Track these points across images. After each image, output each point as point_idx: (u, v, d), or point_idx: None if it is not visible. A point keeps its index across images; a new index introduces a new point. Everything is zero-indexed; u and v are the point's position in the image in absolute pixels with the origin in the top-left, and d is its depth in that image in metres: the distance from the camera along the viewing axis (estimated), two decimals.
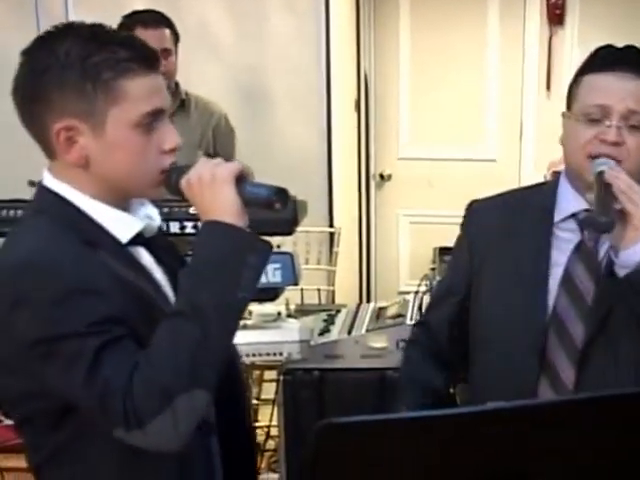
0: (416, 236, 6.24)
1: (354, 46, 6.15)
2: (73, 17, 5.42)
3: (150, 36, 4.33)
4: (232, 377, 1.99)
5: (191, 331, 1.65)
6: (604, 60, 2.19)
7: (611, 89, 2.15)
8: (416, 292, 3.78)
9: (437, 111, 6.24)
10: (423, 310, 3.66)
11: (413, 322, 3.60)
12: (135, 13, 4.46)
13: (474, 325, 2.34)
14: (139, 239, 1.84)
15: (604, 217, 2.01)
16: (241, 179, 1.75)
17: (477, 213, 2.41)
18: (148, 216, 1.90)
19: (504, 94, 6.18)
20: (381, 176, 6.42)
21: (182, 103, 4.61)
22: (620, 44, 2.22)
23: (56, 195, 1.80)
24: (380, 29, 6.30)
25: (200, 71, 5.37)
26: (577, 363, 2.17)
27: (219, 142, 4.68)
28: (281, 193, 1.78)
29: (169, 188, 1.82)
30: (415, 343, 2.56)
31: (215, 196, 1.72)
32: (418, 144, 6.35)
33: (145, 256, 1.87)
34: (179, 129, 4.69)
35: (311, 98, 5.70)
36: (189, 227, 3.45)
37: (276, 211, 1.77)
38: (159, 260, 1.90)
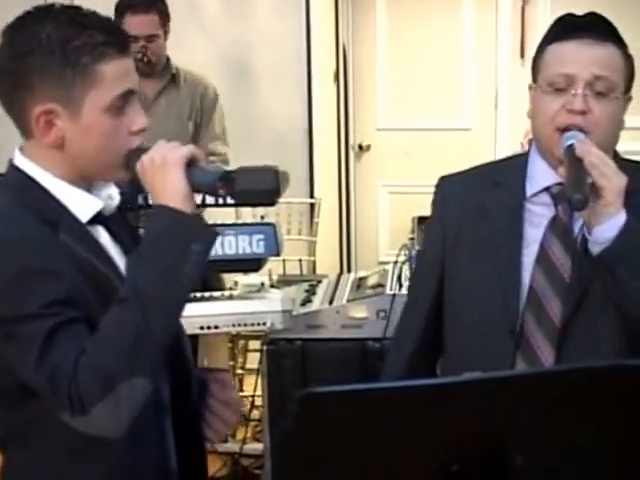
0: (395, 206, 6.24)
1: (333, 18, 6.13)
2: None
3: (138, 21, 4.35)
4: (180, 356, 1.99)
5: (133, 318, 1.63)
6: (565, 28, 2.12)
7: (575, 57, 2.07)
8: (395, 262, 3.78)
9: (414, 82, 6.23)
10: (402, 280, 3.69)
11: (393, 293, 3.63)
12: None
13: (449, 304, 2.27)
14: (98, 218, 1.83)
15: (578, 194, 1.91)
16: (192, 164, 1.73)
17: (448, 189, 2.32)
18: (110, 196, 1.90)
19: (479, 64, 6.17)
20: (360, 147, 6.41)
21: (173, 77, 4.62)
22: (593, 10, 2.14)
23: (23, 173, 1.81)
24: (358, 1, 6.29)
25: (187, 45, 5.38)
26: (556, 342, 2.09)
27: (204, 110, 4.70)
28: (225, 178, 1.74)
29: (128, 171, 1.81)
30: (400, 344, 2.46)
31: (164, 180, 1.70)
32: (396, 115, 6.34)
33: (103, 235, 1.86)
34: (170, 102, 4.76)
35: (292, 70, 5.70)
36: None
37: (221, 196, 1.74)
38: (117, 239, 1.89)
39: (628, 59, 2.13)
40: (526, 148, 3.56)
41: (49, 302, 1.64)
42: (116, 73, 1.75)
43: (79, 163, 1.80)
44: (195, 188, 1.73)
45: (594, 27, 2.10)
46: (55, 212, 1.77)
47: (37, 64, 1.73)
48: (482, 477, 1.42)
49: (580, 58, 2.07)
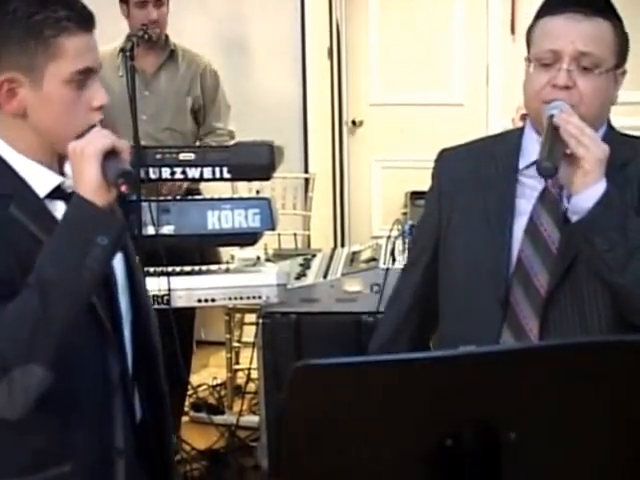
0: (388, 181, 6.22)
1: None
2: None
3: None
4: (145, 334, 2.02)
5: (32, 306, 1.64)
6: (557, 2, 2.09)
7: (561, 32, 2.05)
8: (388, 237, 3.79)
9: (406, 58, 6.19)
10: (395, 254, 3.69)
11: (386, 267, 3.63)
12: None
13: (442, 276, 2.26)
14: (60, 193, 1.82)
15: (547, 162, 1.92)
16: (110, 156, 1.71)
17: (447, 162, 2.31)
18: None
19: (470, 39, 6.13)
20: (353, 122, 6.38)
21: (171, 54, 4.61)
22: None
23: None
24: None
25: (182, 22, 5.34)
26: (540, 314, 2.09)
27: (206, 90, 4.69)
28: (126, 175, 1.69)
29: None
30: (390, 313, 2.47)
31: (79, 170, 1.71)
32: (388, 90, 6.31)
33: (61, 210, 1.84)
34: (169, 78, 4.75)
35: (286, 46, 5.70)
36: (178, 173, 3.47)
37: (123, 191, 1.70)
38: None
39: (620, 33, 2.10)
40: (518, 124, 3.55)
41: None
42: (77, 48, 1.78)
43: (41, 133, 1.82)
44: (106, 180, 1.71)
45: (582, 1, 2.08)
46: (11, 185, 1.79)
47: (3, 35, 1.77)
48: (476, 452, 1.41)
49: (566, 33, 2.05)
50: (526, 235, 2.12)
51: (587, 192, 1.95)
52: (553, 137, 1.98)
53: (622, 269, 1.94)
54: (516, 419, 1.42)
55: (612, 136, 2.16)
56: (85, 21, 1.79)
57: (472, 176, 2.22)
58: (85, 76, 1.79)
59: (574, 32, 2.05)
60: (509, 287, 2.12)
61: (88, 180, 1.69)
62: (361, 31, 6.28)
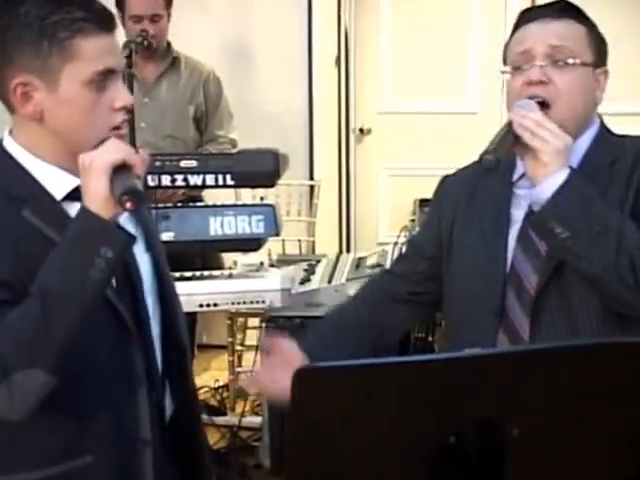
0: (396, 188, 6.22)
1: (335, 2, 6.11)
2: None
3: (144, 1, 4.33)
4: (174, 334, 2.05)
5: (34, 314, 1.65)
6: (525, 15, 2.17)
7: (532, 35, 2.11)
8: (395, 243, 3.79)
9: (416, 66, 6.19)
10: None
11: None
12: None
13: (445, 290, 2.31)
14: (78, 194, 1.79)
15: (489, 155, 1.97)
16: (121, 170, 1.71)
17: (448, 186, 2.37)
18: None
19: (485, 48, 6.12)
20: (361, 130, 6.40)
21: (173, 61, 4.61)
22: (589, 3, 2.19)
23: (3, 151, 1.85)
24: None
25: (188, 29, 5.40)
26: (530, 315, 2.11)
27: (208, 98, 4.69)
28: (134, 193, 1.68)
29: None
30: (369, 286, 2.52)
31: (87, 182, 1.70)
32: (397, 98, 6.31)
33: (72, 206, 1.84)
34: (171, 86, 4.77)
35: (293, 54, 5.72)
36: (179, 180, 3.46)
37: (127, 209, 1.69)
38: None
39: (594, 33, 2.14)
40: None
41: None
42: (95, 49, 1.77)
43: (60, 136, 1.82)
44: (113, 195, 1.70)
45: (552, 7, 2.14)
46: (26, 189, 1.79)
47: (15, 37, 1.76)
48: (479, 450, 1.42)
49: (536, 33, 2.10)
50: (518, 242, 2.16)
51: (546, 182, 1.98)
52: (505, 132, 2.03)
53: (587, 256, 1.95)
54: (518, 417, 1.43)
55: (603, 137, 2.19)
56: (103, 22, 1.79)
57: (470, 194, 2.27)
58: (105, 77, 1.79)
59: (545, 31, 2.10)
60: (504, 294, 2.15)
61: (95, 193, 1.69)
62: (371, 37, 6.28)
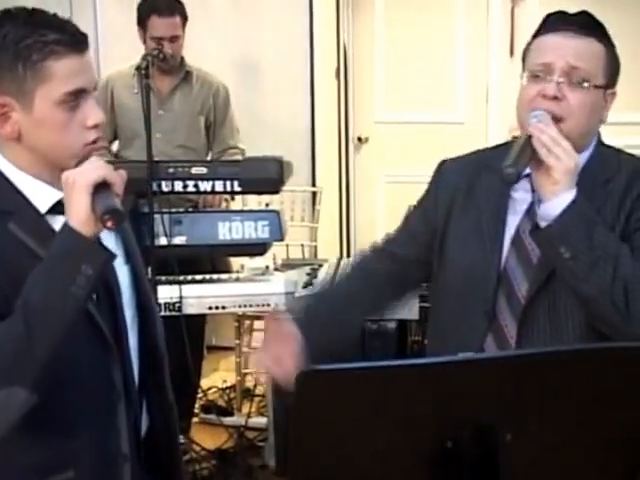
0: (392, 195, 6.21)
1: (334, 20, 6.12)
2: (99, 3, 5.59)
3: (163, 24, 4.34)
4: (152, 344, 2.00)
5: (17, 329, 1.61)
6: (551, 23, 2.11)
7: (554, 47, 2.06)
8: None
9: (410, 78, 6.20)
10: None
11: None
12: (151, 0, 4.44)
13: (436, 280, 2.26)
14: (60, 208, 1.77)
15: (510, 168, 1.93)
16: (102, 188, 1.67)
17: (446, 171, 2.29)
18: None
19: (471, 61, 6.14)
20: (359, 139, 6.39)
21: (186, 75, 4.60)
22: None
23: None
24: (358, 5, 6.27)
25: (199, 43, 5.40)
26: (519, 321, 2.09)
27: (217, 108, 4.69)
28: (114, 212, 1.65)
29: None
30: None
31: (70, 200, 1.67)
32: (393, 109, 6.31)
33: (54, 219, 1.82)
34: (183, 98, 4.77)
35: (296, 67, 5.71)
36: (190, 186, 3.46)
37: (108, 228, 1.66)
38: None
39: (612, 56, 2.10)
40: None
41: None
42: (66, 70, 1.74)
43: (37, 154, 1.79)
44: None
45: (579, 22, 2.08)
46: (13, 202, 1.77)
47: (7, 60, 1.74)
48: (475, 453, 1.41)
49: (558, 48, 2.05)
50: (512, 246, 2.13)
51: (555, 200, 1.95)
52: (524, 145, 1.98)
53: (585, 278, 1.93)
54: (512, 421, 1.42)
55: (601, 153, 2.16)
56: (75, 43, 1.75)
57: (467, 185, 2.22)
58: (77, 97, 1.76)
59: (566, 47, 2.05)
60: (496, 297, 2.12)
61: (77, 211, 1.65)
62: (367, 53, 6.29)
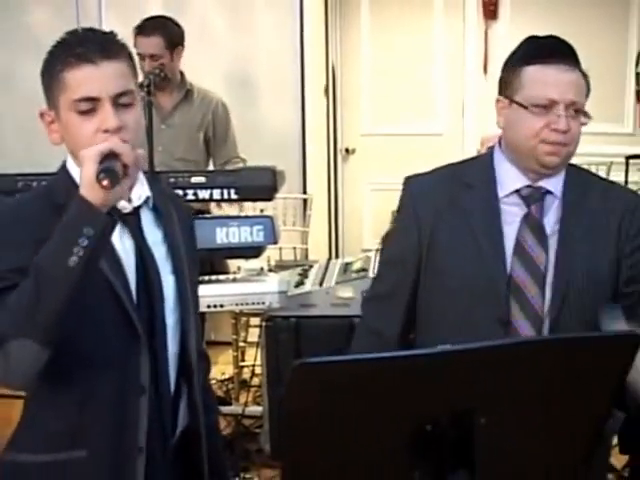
0: (377, 201, 6.23)
1: (323, 41, 6.15)
2: (105, 20, 5.60)
3: (143, 42, 4.35)
4: (184, 347, 1.94)
5: (28, 288, 1.62)
6: (541, 52, 2.10)
7: (556, 82, 2.06)
8: (377, 249, 3.78)
9: (393, 95, 6.23)
10: None
11: (374, 276, 3.61)
12: (145, 20, 4.45)
13: (433, 295, 2.18)
14: (113, 212, 1.76)
15: None
16: (108, 158, 1.65)
17: (419, 188, 2.21)
18: (139, 196, 1.87)
19: (448, 79, 6.17)
20: (347, 150, 6.41)
21: (187, 93, 4.59)
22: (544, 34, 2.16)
23: (63, 168, 1.86)
24: (345, 27, 6.30)
25: (198, 61, 5.41)
26: (538, 327, 2.06)
27: (217, 123, 4.66)
28: (106, 171, 1.63)
29: None
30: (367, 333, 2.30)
31: (81, 171, 1.66)
32: (377, 123, 6.34)
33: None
34: (184, 115, 4.74)
35: (288, 85, 5.71)
36: (190, 194, 3.46)
37: (104, 187, 1.62)
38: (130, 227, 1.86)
39: (587, 80, 2.12)
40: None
41: (5, 269, 1.68)
42: (75, 79, 1.75)
43: (74, 156, 1.81)
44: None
45: (566, 52, 2.10)
46: (72, 198, 1.72)
47: (43, 75, 1.80)
48: (452, 435, 1.42)
49: (560, 83, 2.06)
50: (514, 256, 2.10)
51: None
52: None
53: None
54: (486, 406, 1.42)
55: (570, 168, 2.18)
56: (88, 54, 1.74)
57: (448, 198, 2.16)
58: (90, 104, 1.75)
59: (567, 83, 2.06)
60: (508, 304, 2.08)
61: (84, 179, 1.64)
62: (354, 72, 6.33)
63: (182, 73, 4.59)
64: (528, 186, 2.13)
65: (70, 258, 1.61)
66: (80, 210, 1.63)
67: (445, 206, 2.16)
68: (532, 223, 2.11)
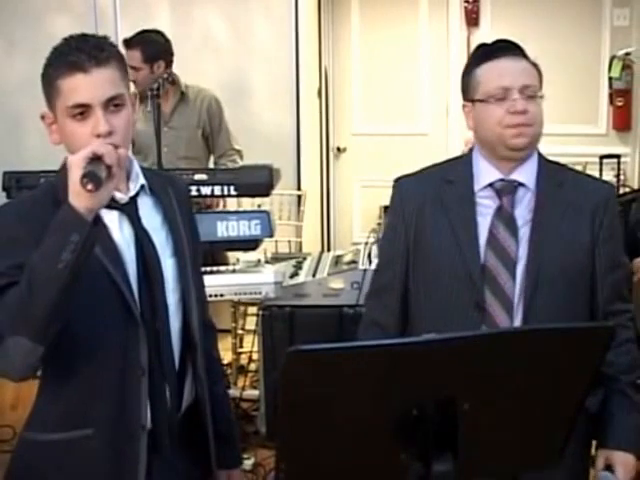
0: (366, 197, 6.22)
1: (316, 47, 6.15)
2: (120, 28, 5.59)
3: (126, 54, 4.32)
4: (187, 329, 1.93)
5: (21, 289, 1.62)
6: (490, 52, 2.15)
7: (507, 71, 2.10)
8: (366, 243, 3.79)
9: (382, 96, 6.23)
10: (372, 257, 3.68)
11: (364, 268, 3.62)
12: (135, 33, 4.47)
13: (417, 285, 2.20)
14: (112, 204, 1.77)
15: None
16: (92, 161, 1.63)
17: (406, 188, 2.24)
18: (134, 186, 1.86)
19: (433, 82, 6.16)
20: (338, 149, 6.40)
21: (182, 95, 4.59)
22: (523, 41, 2.18)
23: (64, 167, 1.81)
24: (337, 34, 6.29)
25: (200, 67, 5.44)
26: (510, 311, 2.07)
27: (212, 119, 4.66)
28: (89, 175, 1.60)
29: None
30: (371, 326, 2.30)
31: (68, 178, 1.65)
32: (367, 123, 6.34)
33: (112, 218, 1.82)
34: (182, 115, 4.74)
35: (284, 87, 5.70)
36: (193, 190, 3.45)
37: (89, 191, 1.60)
38: (130, 217, 1.85)
39: (537, 68, 2.16)
40: None
41: (10, 265, 1.68)
42: (69, 87, 1.74)
43: None
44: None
45: (511, 48, 2.14)
46: None
47: (42, 80, 1.80)
48: (436, 419, 1.41)
49: (511, 72, 2.10)
50: (487, 245, 2.11)
51: None
52: None
53: None
54: (469, 393, 1.42)
55: (542, 161, 2.19)
56: (81, 62, 1.73)
57: (433, 197, 2.18)
58: (82, 109, 1.74)
59: (517, 70, 2.10)
60: (482, 291, 2.09)
61: (71, 185, 1.63)
62: (345, 75, 6.33)
63: (176, 76, 4.58)
64: (501, 179, 2.14)
65: (59, 262, 1.61)
66: (67, 217, 1.63)
67: (430, 203, 2.18)
68: (503, 214, 2.12)
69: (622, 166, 5.40)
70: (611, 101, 5.80)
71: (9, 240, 1.73)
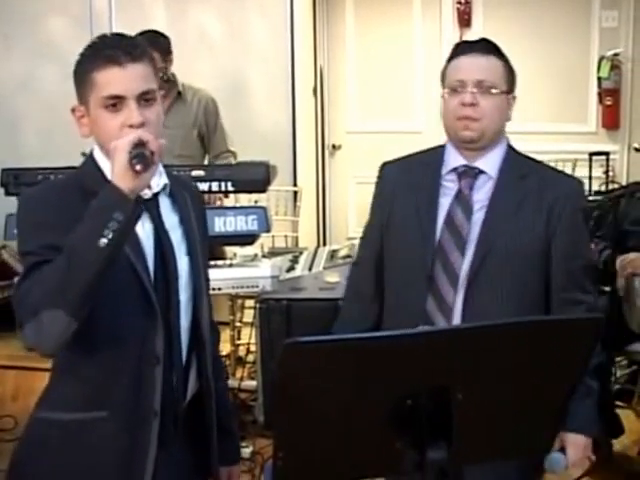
0: (361, 193, 6.20)
1: (312, 46, 6.15)
2: (115, 29, 5.56)
3: None
4: (196, 322, 1.94)
5: (61, 265, 1.64)
6: (460, 49, 2.25)
7: (465, 67, 2.19)
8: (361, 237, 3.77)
9: (376, 95, 6.22)
10: None
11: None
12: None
13: (386, 259, 2.31)
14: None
15: None
16: (136, 147, 1.67)
17: (387, 172, 2.37)
18: (157, 184, 1.88)
19: (427, 81, 6.14)
20: (333, 146, 6.40)
21: (179, 94, 4.57)
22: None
23: (91, 157, 1.87)
24: (332, 33, 6.29)
25: (198, 67, 5.46)
26: (456, 286, 2.16)
27: (208, 119, 4.65)
28: (138, 156, 1.65)
29: None
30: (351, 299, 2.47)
31: (113, 161, 1.68)
32: (362, 121, 6.34)
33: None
34: (178, 114, 4.71)
35: (280, 86, 5.71)
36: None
37: (138, 172, 1.64)
38: (152, 212, 1.87)
39: (508, 68, 2.24)
40: None
41: (41, 245, 1.71)
42: (104, 79, 1.77)
43: (103, 148, 1.82)
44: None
45: (480, 46, 2.23)
46: (98, 184, 1.75)
47: (75, 75, 1.83)
48: (430, 409, 1.42)
49: (468, 67, 2.20)
50: (445, 225, 2.20)
51: None
52: None
53: None
54: (463, 383, 1.42)
55: (511, 153, 2.27)
56: (117, 56, 1.76)
57: (406, 181, 2.29)
58: (116, 101, 1.76)
59: (474, 66, 2.20)
60: (433, 265, 2.18)
61: (117, 168, 1.66)
62: (340, 74, 6.32)
63: (174, 75, 4.57)
64: (465, 165, 2.23)
65: (100, 240, 1.63)
66: (112, 196, 1.65)
67: (404, 185, 2.29)
68: (461, 197, 2.21)
69: (611, 163, 5.43)
70: (600, 100, 5.81)
71: (37, 223, 1.76)
